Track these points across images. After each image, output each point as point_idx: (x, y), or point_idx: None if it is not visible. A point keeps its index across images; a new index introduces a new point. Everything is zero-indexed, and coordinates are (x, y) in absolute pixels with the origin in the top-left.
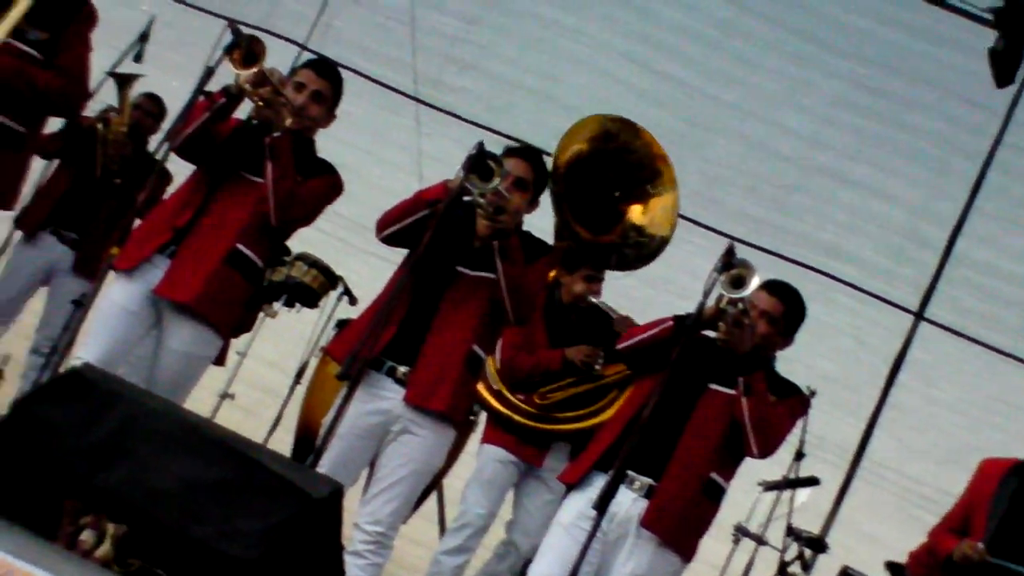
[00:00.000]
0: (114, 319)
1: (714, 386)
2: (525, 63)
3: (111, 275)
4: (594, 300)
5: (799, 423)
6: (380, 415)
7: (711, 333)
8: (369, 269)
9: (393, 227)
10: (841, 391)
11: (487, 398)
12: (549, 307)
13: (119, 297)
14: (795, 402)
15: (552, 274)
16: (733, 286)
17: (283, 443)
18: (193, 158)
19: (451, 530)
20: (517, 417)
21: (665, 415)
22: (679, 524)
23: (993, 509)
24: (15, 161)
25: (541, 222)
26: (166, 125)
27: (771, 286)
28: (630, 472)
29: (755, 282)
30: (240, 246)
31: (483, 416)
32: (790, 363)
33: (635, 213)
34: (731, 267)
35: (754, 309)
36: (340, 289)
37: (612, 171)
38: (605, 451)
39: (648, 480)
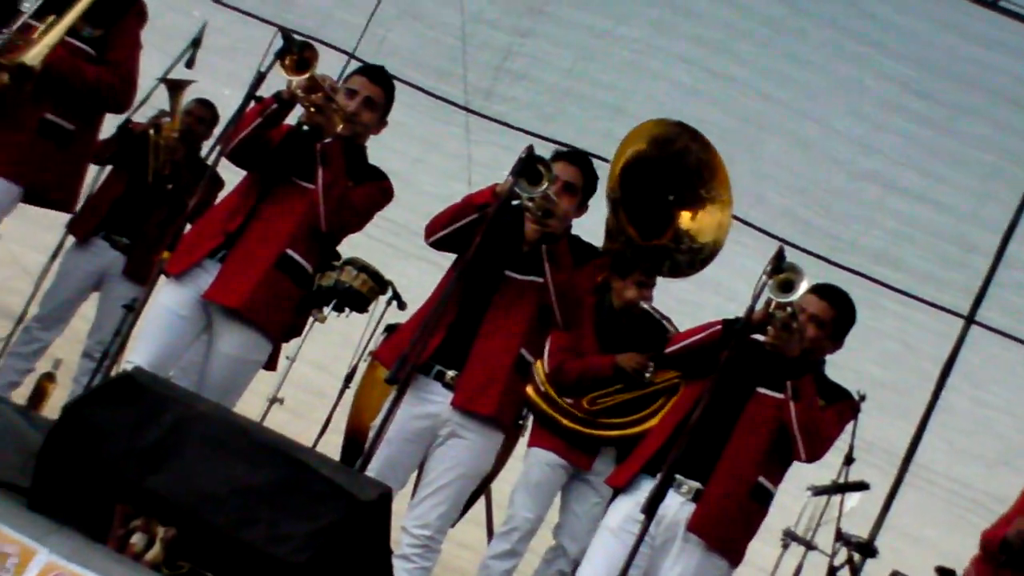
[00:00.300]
0: (165, 323)
1: (762, 390)
2: (577, 72)
3: (162, 279)
4: (645, 306)
5: (848, 427)
6: (428, 419)
7: (760, 337)
8: (419, 274)
9: (442, 231)
10: (890, 395)
11: (536, 401)
12: (599, 312)
13: (170, 301)
14: (844, 406)
15: (601, 278)
16: (782, 290)
17: (332, 447)
18: (245, 164)
19: (499, 534)
20: (565, 421)
21: (713, 419)
22: (727, 529)
23: None
24: (65, 159)
25: (590, 225)
26: (218, 131)
27: (821, 290)
28: (678, 476)
29: (804, 286)
30: (290, 251)
31: (531, 420)
32: (839, 369)
33: (687, 219)
34: (780, 271)
35: (803, 313)
36: (389, 294)
37: (668, 175)
38: (653, 455)
39: (696, 484)
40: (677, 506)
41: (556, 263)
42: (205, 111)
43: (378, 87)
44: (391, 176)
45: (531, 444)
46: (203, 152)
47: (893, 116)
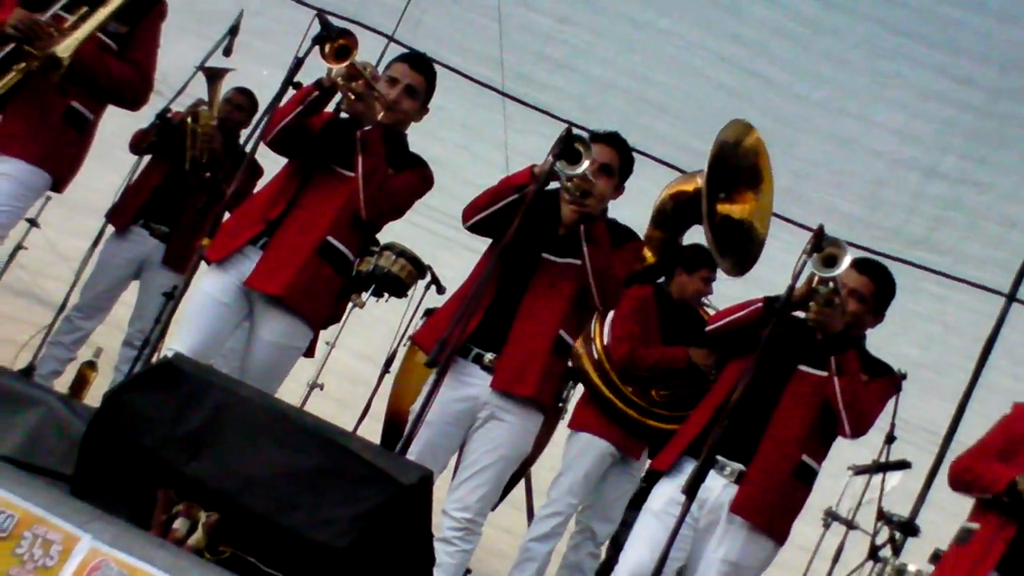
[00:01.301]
0: (206, 310)
1: (804, 368)
2: (618, 64)
3: (203, 266)
4: (705, 302)
5: (889, 406)
6: (467, 402)
7: (800, 314)
8: (457, 259)
9: (481, 213)
10: (930, 376)
11: (598, 385)
12: (662, 303)
13: (211, 288)
14: (887, 381)
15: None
16: (825, 265)
17: (373, 432)
18: (286, 151)
19: (541, 517)
20: (625, 408)
21: (755, 399)
22: (771, 508)
23: None
24: (77, 142)
25: (627, 212)
26: (256, 119)
27: (860, 264)
28: (720, 458)
29: (847, 261)
30: (331, 238)
31: (574, 402)
32: (879, 353)
33: (735, 212)
34: (821, 248)
35: (843, 288)
36: (428, 278)
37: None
38: (696, 437)
39: (739, 466)
40: (720, 488)
41: (595, 243)
42: (243, 99)
43: (419, 75)
44: (431, 162)
45: (579, 428)
46: (241, 140)
47: (931, 103)
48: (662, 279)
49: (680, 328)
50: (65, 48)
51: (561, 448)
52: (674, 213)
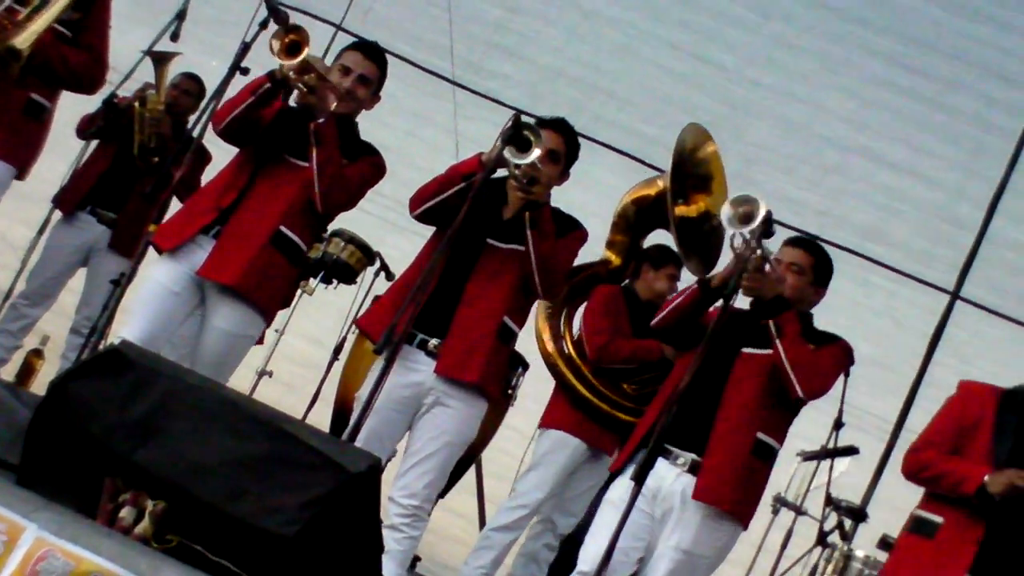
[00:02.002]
0: (156, 299)
1: (748, 350)
2: (567, 52)
3: (152, 254)
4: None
5: (837, 393)
6: (412, 388)
7: (742, 306)
8: (407, 244)
9: (429, 202)
10: (878, 371)
11: (571, 380)
12: (630, 302)
13: (162, 277)
14: (836, 348)
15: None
16: (742, 222)
17: (322, 418)
18: (236, 141)
19: (505, 508)
20: (599, 402)
21: (703, 387)
22: (733, 490)
23: (999, 436)
24: (38, 132)
25: (577, 198)
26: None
27: (793, 241)
28: (672, 448)
29: (763, 213)
30: (284, 228)
31: (521, 391)
32: None
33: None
34: (740, 205)
35: (780, 265)
36: (377, 265)
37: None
38: (647, 431)
39: (691, 455)
40: (673, 477)
41: (539, 231)
42: (191, 84)
43: (372, 63)
44: (381, 150)
45: (551, 425)
46: (190, 125)
47: (882, 92)
48: (627, 281)
49: (646, 326)
50: (24, 40)
51: (515, 433)
52: (636, 217)
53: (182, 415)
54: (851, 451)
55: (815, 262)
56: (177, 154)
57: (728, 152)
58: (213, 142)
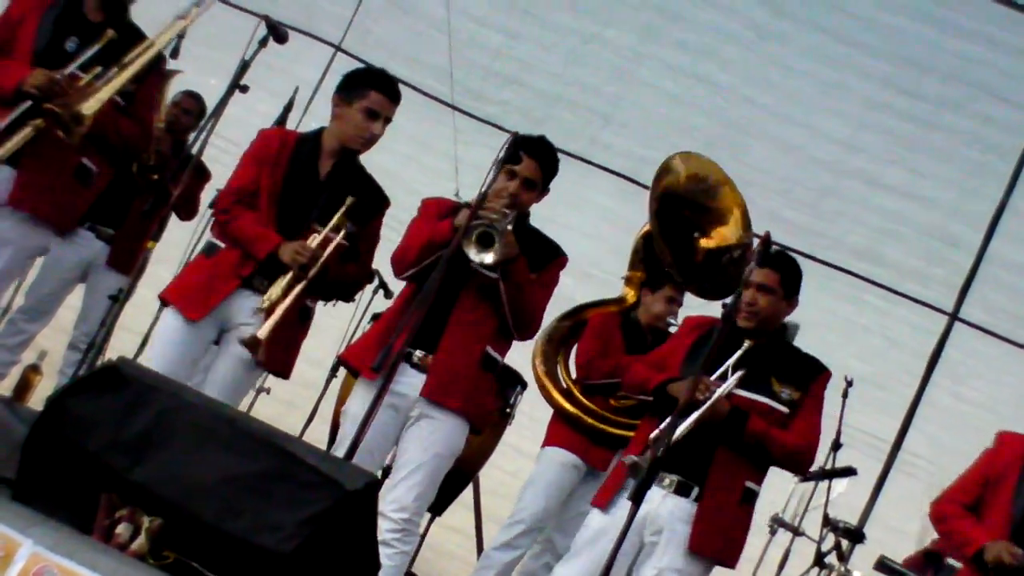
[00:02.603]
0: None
1: (741, 392)
2: (566, 77)
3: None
4: (672, 322)
5: (835, 412)
6: (399, 399)
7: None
8: None
9: (411, 270)
10: (874, 391)
11: (557, 398)
12: (626, 324)
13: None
14: (818, 387)
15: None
16: (482, 245)
17: (321, 435)
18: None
19: (504, 525)
20: (587, 419)
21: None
22: (726, 539)
23: (1020, 490)
24: (84, 196)
25: (574, 219)
26: (203, 122)
27: (759, 259)
28: (661, 471)
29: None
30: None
31: (519, 410)
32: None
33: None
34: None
35: (749, 288)
36: (376, 283)
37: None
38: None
39: (675, 476)
40: (659, 499)
41: (509, 280)
42: (192, 103)
43: (533, 161)
44: (382, 174)
45: (548, 443)
46: (188, 143)
47: (877, 114)
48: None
49: (644, 351)
50: (90, 107)
51: (513, 451)
52: (646, 253)
53: (179, 432)
54: (849, 472)
55: (782, 277)
56: (176, 172)
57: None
58: (211, 159)
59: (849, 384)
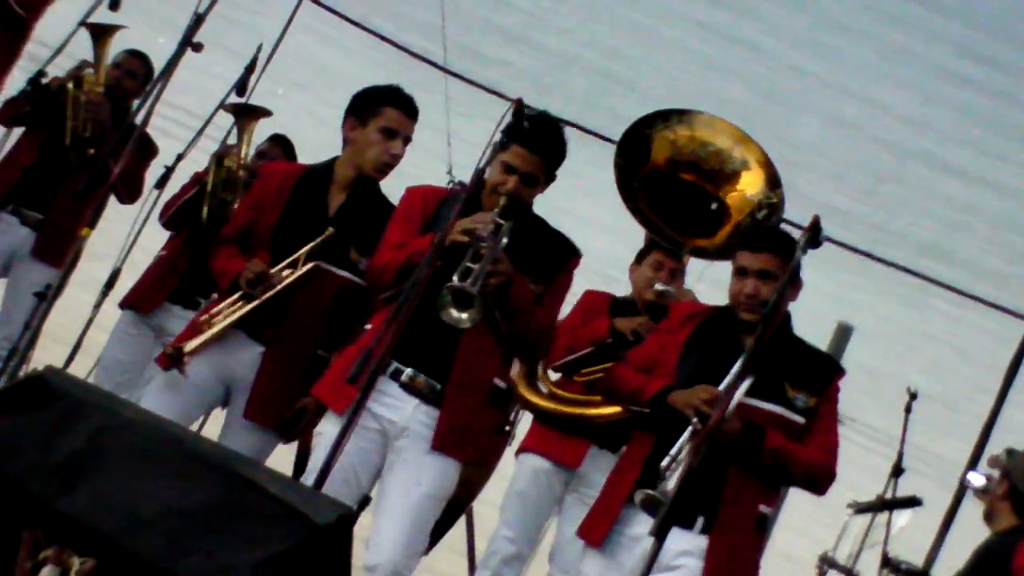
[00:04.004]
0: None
1: (750, 401)
2: (579, 35)
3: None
4: (660, 288)
5: (896, 432)
6: (384, 423)
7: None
8: None
9: (388, 292)
10: (941, 409)
11: (525, 395)
12: (616, 307)
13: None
14: (833, 391)
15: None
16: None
17: (283, 460)
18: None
19: (480, 561)
20: (551, 404)
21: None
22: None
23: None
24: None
25: (593, 210)
26: (150, 87)
27: (752, 241)
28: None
29: None
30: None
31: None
32: (881, 378)
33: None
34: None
35: (747, 276)
36: None
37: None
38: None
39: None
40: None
41: (505, 310)
42: (137, 64)
43: (537, 156)
44: None
45: (520, 447)
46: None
47: (948, 86)
48: None
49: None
50: None
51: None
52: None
53: (116, 455)
54: (912, 503)
55: (783, 259)
56: (116, 146)
57: (768, 152)
58: (159, 131)
59: (913, 397)
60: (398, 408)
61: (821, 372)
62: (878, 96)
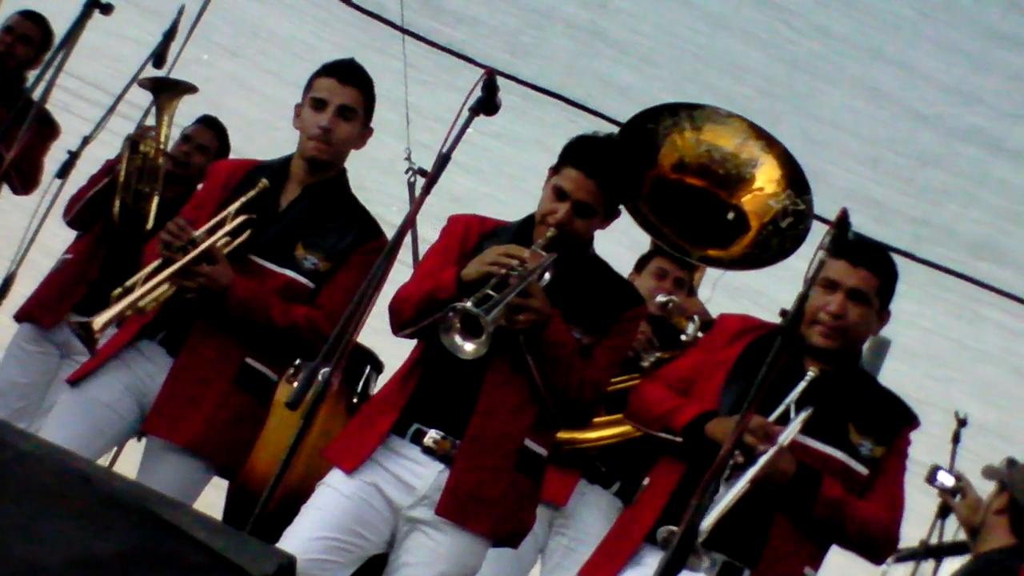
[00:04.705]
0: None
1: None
2: None
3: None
4: (663, 299)
5: (944, 459)
6: (402, 490)
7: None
8: None
9: (410, 329)
10: (995, 440)
11: None
12: None
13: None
14: (903, 442)
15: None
16: None
17: (214, 500)
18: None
19: None
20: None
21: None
22: None
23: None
24: None
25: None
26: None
27: (852, 253)
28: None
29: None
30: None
31: None
32: (926, 407)
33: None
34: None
35: (837, 290)
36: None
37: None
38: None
39: (719, 556)
40: None
41: (539, 355)
42: (31, 27)
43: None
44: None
45: None
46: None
47: (999, 51)
48: None
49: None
50: None
51: None
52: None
53: (13, 495)
54: (962, 549)
55: (881, 284)
56: (10, 125)
57: (787, 129)
58: (65, 108)
59: (962, 424)
60: (418, 474)
61: (892, 418)
62: (918, 63)
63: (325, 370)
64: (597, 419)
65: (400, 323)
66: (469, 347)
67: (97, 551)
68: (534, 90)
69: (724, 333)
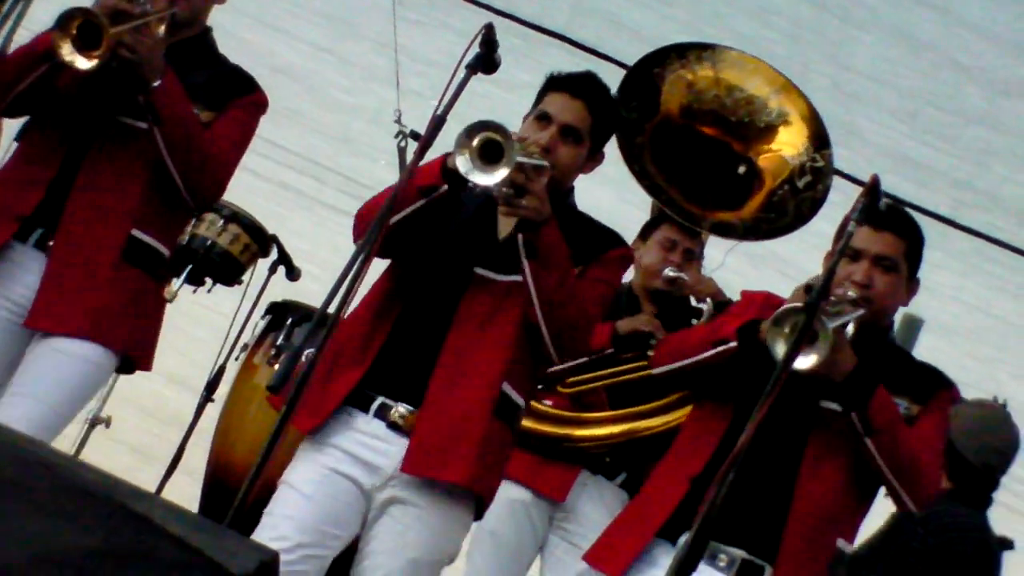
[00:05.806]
0: None
1: (829, 404)
2: None
3: None
4: (672, 274)
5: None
6: (367, 471)
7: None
8: (316, 226)
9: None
10: None
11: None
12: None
13: None
14: (942, 403)
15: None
16: (485, 162)
17: (188, 491)
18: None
19: None
20: (529, 422)
21: (762, 460)
22: None
23: None
24: None
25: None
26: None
27: (876, 218)
28: (711, 542)
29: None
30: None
31: None
32: (964, 385)
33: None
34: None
35: (861, 259)
36: (274, 255)
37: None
38: (664, 524)
39: (739, 552)
40: None
41: (539, 258)
42: None
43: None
44: (281, 75)
45: None
46: None
47: None
48: None
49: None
50: None
51: None
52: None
53: None
54: (1003, 545)
55: (908, 247)
56: None
57: (818, 81)
58: None
59: (1002, 408)
60: (384, 452)
61: (925, 383)
62: (962, 8)
63: (309, 351)
64: (600, 415)
65: (369, 223)
66: (493, 176)
67: (64, 545)
68: (536, 31)
69: (752, 305)
